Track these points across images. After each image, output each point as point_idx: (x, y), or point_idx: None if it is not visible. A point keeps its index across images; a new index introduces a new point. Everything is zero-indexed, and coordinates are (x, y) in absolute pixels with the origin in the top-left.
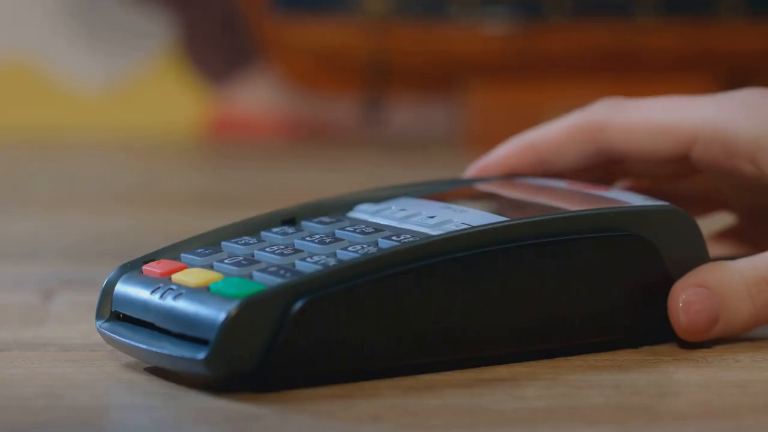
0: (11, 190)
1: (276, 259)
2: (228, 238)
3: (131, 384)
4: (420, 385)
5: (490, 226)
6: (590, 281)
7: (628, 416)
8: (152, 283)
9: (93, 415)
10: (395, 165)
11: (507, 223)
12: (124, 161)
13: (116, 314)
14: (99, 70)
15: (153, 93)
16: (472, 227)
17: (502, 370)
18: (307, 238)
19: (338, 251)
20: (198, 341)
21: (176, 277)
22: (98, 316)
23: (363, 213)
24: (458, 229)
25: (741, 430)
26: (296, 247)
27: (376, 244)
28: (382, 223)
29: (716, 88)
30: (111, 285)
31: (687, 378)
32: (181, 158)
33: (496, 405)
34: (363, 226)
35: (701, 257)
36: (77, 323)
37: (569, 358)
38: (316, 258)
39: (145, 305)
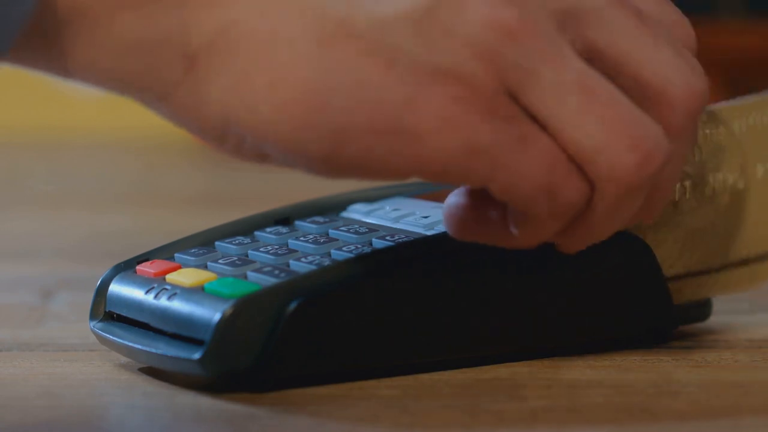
0: (11, 190)
1: (270, 259)
2: (222, 238)
3: (130, 384)
4: (419, 385)
5: None
6: (585, 280)
7: (627, 416)
8: (146, 284)
9: (92, 415)
10: None
11: None
12: (124, 161)
13: (110, 314)
14: None
15: None
16: None
17: (502, 370)
18: (301, 238)
19: (332, 251)
20: (193, 341)
21: (170, 277)
22: (92, 317)
23: (356, 213)
24: None
25: (741, 430)
26: (290, 247)
27: (370, 244)
28: (375, 222)
29: (716, 88)
30: (104, 285)
31: (687, 378)
32: (181, 158)
33: (496, 405)
34: (357, 226)
35: None
36: (76, 323)
37: (568, 358)
38: (310, 258)
39: (139, 305)
